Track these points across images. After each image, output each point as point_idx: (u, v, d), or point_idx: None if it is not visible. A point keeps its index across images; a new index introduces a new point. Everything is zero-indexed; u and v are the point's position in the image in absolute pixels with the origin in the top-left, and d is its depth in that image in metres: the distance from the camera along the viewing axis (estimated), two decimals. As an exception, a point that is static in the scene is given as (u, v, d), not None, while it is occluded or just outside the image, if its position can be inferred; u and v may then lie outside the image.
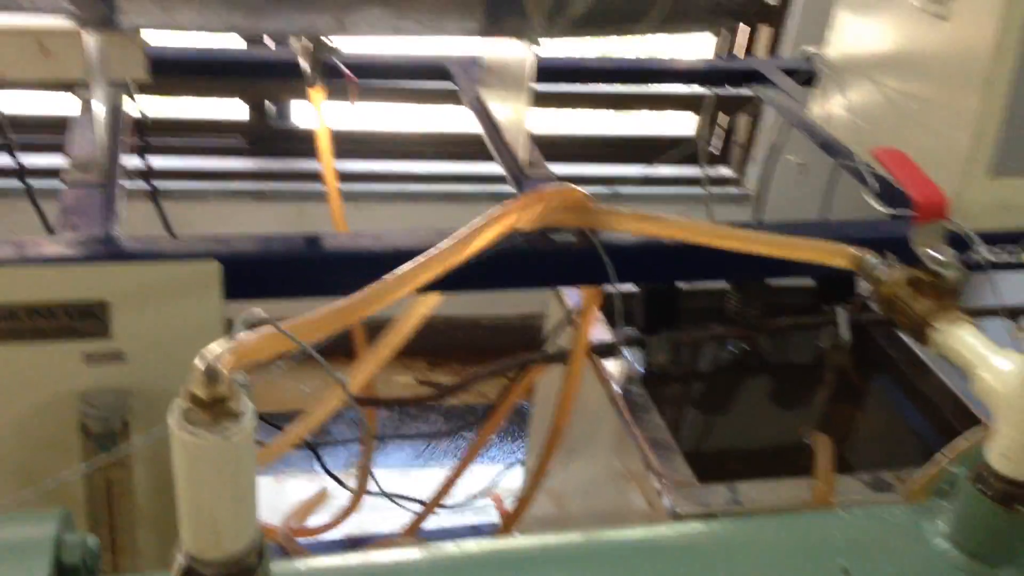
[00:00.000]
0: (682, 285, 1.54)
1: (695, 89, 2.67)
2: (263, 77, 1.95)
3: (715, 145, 2.77)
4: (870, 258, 0.73)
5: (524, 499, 1.44)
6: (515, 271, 0.95)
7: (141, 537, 0.88)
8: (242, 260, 0.85)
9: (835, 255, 0.74)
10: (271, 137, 2.40)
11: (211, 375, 0.45)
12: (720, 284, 1.57)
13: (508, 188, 1.04)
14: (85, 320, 0.82)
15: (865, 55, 1.20)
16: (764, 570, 0.62)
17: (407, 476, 2.19)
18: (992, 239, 1.05)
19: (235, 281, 0.85)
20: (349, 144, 2.36)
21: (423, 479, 2.07)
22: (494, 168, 1.16)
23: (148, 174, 1.37)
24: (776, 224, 0.95)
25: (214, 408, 0.45)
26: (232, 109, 2.40)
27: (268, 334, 0.53)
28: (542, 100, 2.39)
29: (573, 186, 0.91)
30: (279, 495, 2.12)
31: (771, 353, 1.63)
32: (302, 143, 2.41)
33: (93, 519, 0.89)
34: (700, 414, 1.55)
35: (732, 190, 2.72)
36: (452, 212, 2.39)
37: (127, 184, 1.47)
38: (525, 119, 1.04)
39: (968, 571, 0.62)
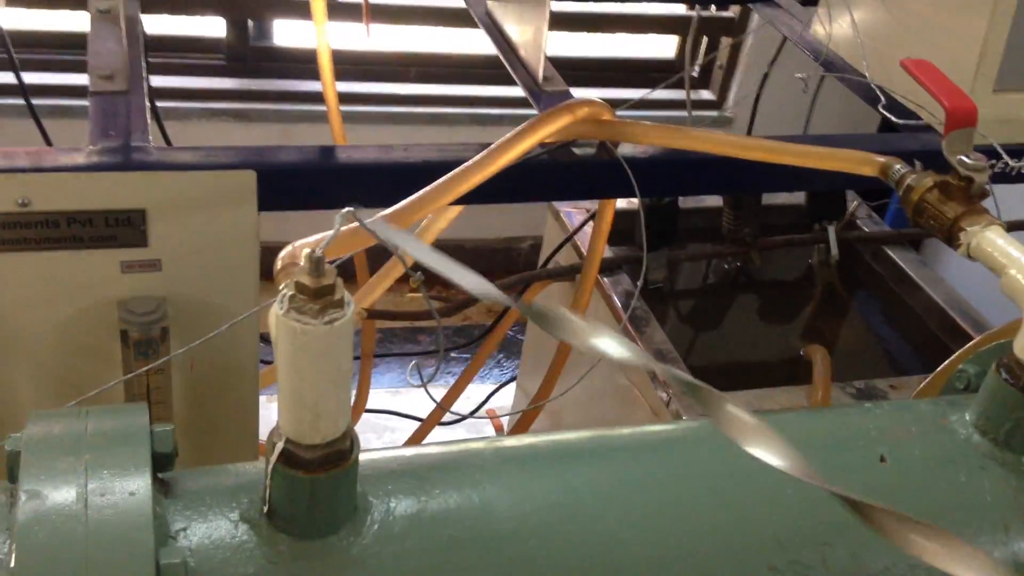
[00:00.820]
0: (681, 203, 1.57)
1: (675, 9, 2.67)
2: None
3: (695, 68, 2.78)
4: (898, 166, 0.76)
5: (530, 415, 1.48)
6: (539, 184, 0.97)
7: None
8: (278, 170, 0.86)
9: (862, 164, 0.77)
10: (253, 56, 2.37)
11: (317, 265, 0.47)
12: (715, 202, 1.60)
13: (488, 111, 1.05)
14: (122, 228, 0.83)
15: (871, -27, 1.21)
16: (804, 456, 0.66)
17: (397, 396, 2.23)
18: (994, 153, 1.09)
19: (269, 192, 0.86)
20: (341, 64, 2.34)
21: (412, 400, 2.11)
22: (482, 91, 1.16)
23: (151, 97, 1.35)
24: (797, 136, 0.97)
25: (320, 297, 0.47)
26: (212, 27, 2.36)
27: (353, 228, 0.54)
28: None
29: (596, 99, 0.92)
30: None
31: (764, 270, 1.68)
32: (286, 63, 2.38)
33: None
34: (697, 329, 1.59)
35: (713, 113, 2.74)
36: (436, 135, 2.38)
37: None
38: (544, 32, 1.05)
39: (996, 458, 0.66)
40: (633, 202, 1.47)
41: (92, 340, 0.87)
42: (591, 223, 1.56)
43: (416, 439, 1.58)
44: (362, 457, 0.60)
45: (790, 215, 1.69)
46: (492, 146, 0.81)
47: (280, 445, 0.51)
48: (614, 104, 2.76)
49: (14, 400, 0.90)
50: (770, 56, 1.47)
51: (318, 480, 0.52)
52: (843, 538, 0.62)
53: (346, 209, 0.49)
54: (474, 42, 2.35)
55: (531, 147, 0.84)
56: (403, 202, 0.71)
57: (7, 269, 0.81)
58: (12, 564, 0.46)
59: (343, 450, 0.52)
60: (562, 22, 2.52)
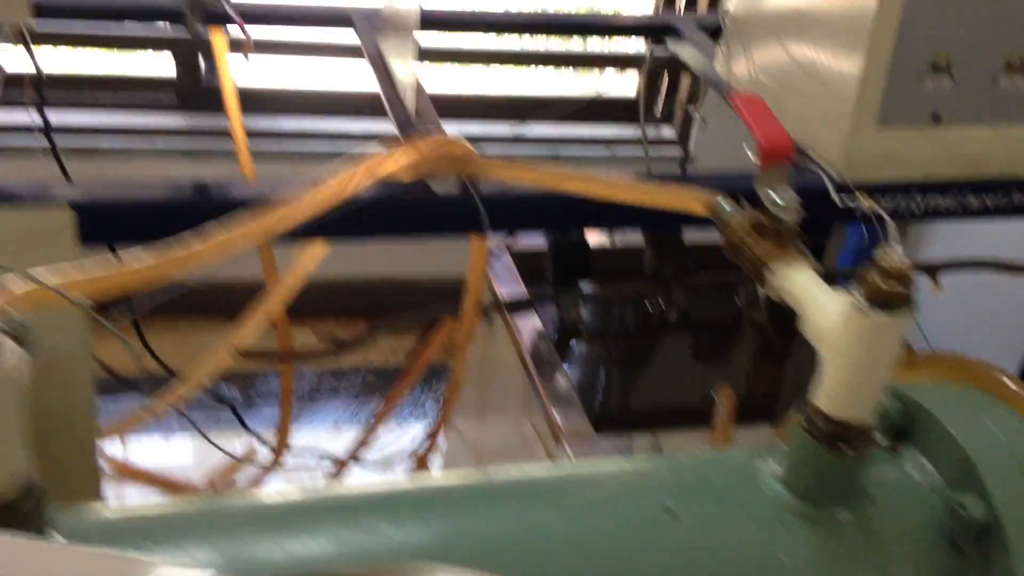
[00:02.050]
0: (594, 242, 1.54)
1: (621, 47, 2.66)
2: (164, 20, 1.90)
3: (659, 106, 2.76)
4: (723, 203, 0.72)
5: (423, 454, 1.44)
6: (396, 220, 0.94)
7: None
8: (96, 206, 0.83)
9: (690, 200, 0.74)
10: (204, 92, 2.36)
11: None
12: (636, 242, 1.57)
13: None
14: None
15: (764, 11, 1.19)
16: (584, 510, 0.62)
17: (340, 435, 2.19)
18: (883, 190, 1.06)
19: (91, 230, 0.83)
20: (276, 100, 2.33)
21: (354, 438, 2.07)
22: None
23: (47, 128, 1.34)
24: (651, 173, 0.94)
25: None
26: (163, 66, 2.35)
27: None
28: (472, 56, 2.36)
29: (451, 136, 0.90)
30: (206, 454, 2.11)
31: (688, 311, 1.64)
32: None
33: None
34: (613, 370, 1.55)
35: (674, 152, 2.71)
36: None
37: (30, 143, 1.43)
38: (412, 68, 1.03)
39: (795, 511, 0.62)
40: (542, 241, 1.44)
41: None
42: (503, 261, 1.53)
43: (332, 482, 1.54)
44: (78, 514, 0.57)
45: (718, 254, 1.65)
46: (315, 186, 0.78)
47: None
48: (574, 141, 2.72)
49: None
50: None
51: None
52: None
53: None
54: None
55: (369, 184, 0.81)
56: (178, 249, 0.67)
57: None
58: None
59: (21, 510, 0.49)
60: (525, 58, 2.51)
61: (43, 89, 1.22)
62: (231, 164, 2.32)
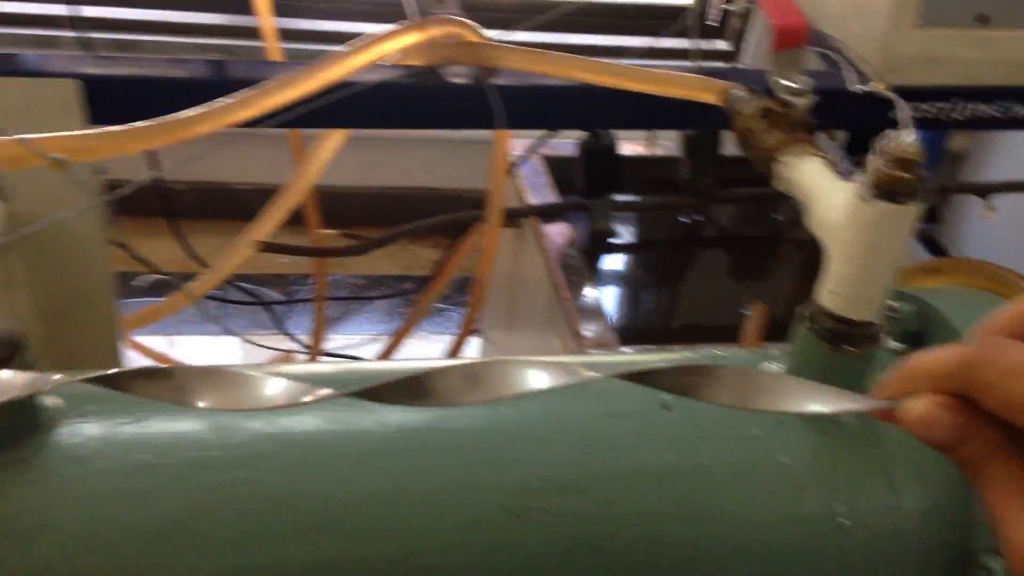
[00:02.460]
0: (629, 151, 1.49)
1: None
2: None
3: (715, 17, 2.67)
4: (737, 91, 0.69)
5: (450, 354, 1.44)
6: (404, 109, 0.91)
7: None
8: (103, 82, 0.82)
9: (703, 89, 0.70)
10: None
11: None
12: (672, 152, 1.53)
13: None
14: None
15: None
16: (578, 404, 0.60)
17: (377, 342, 2.20)
18: (922, 95, 1.00)
19: (100, 105, 0.82)
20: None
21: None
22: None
23: (78, 21, 1.33)
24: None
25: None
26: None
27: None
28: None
29: (462, 19, 0.86)
30: (249, 355, 2.14)
31: (724, 225, 1.60)
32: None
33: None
34: (644, 284, 1.53)
35: (726, 64, 2.63)
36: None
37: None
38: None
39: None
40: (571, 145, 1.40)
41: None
42: (534, 167, 1.50)
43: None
44: (70, 377, 0.57)
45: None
46: (314, 61, 0.76)
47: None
48: (621, 53, 2.67)
49: None
50: None
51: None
52: (598, 488, 0.57)
53: None
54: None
55: (368, 63, 0.79)
56: (182, 112, 0.67)
57: None
58: None
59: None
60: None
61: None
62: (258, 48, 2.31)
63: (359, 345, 2.11)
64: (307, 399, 0.39)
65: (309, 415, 0.57)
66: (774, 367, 0.64)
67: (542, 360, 0.41)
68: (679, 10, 2.74)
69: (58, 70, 0.81)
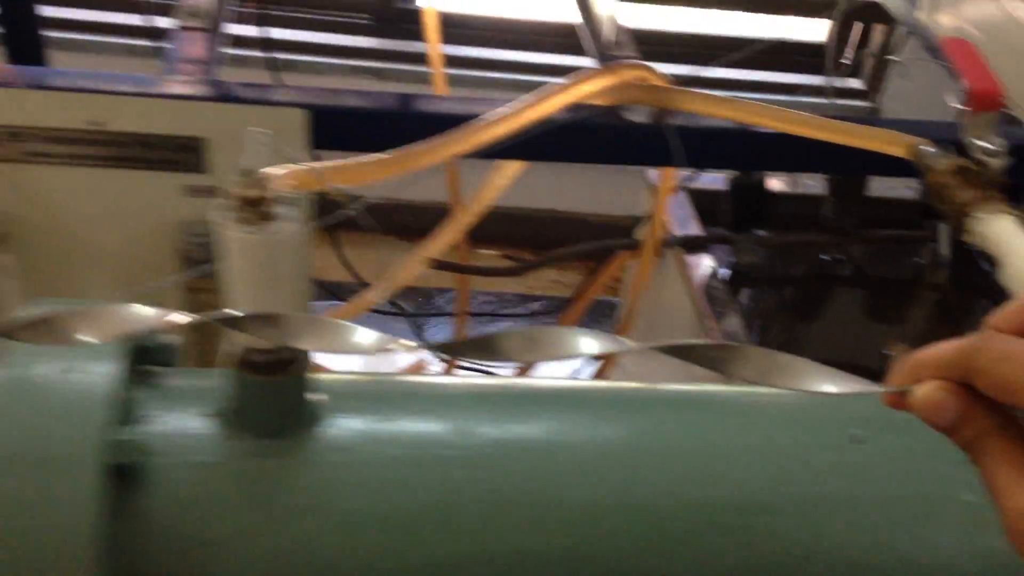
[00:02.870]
0: (775, 187, 1.53)
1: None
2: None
3: (849, 55, 2.68)
4: (926, 147, 0.73)
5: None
6: (587, 145, 0.98)
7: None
8: (328, 111, 0.91)
9: (891, 142, 0.75)
10: (396, 18, 2.45)
11: (250, 177, 0.51)
12: (816, 190, 1.56)
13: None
14: (184, 154, 0.90)
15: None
16: (774, 430, 0.65)
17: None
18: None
19: (318, 131, 0.91)
20: (461, 28, 2.39)
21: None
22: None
23: (267, 42, 1.44)
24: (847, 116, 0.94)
25: (255, 207, 0.51)
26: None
27: (326, 166, 0.58)
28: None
29: (648, 64, 0.92)
30: (381, 363, 2.24)
31: (865, 265, 1.61)
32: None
33: (194, 342, 0.99)
34: (783, 319, 1.56)
35: (859, 103, 2.64)
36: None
37: (247, 53, 1.55)
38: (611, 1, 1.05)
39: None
40: (721, 180, 1.45)
41: (154, 257, 0.95)
42: (678, 199, 1.55)
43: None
44: (331, 377, 0.65)
45: (901, 210, 1.62)
46: (515, 104, 0.83)
47: (231, 348, 0.56)
48: (756, 86, 2.68)
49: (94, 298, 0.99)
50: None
51: (267, 383, 0.57)
52: (799, 511, 0.62)
53: (257, 130, 0.53)
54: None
55: (564, 105, 0.86)
56: (401, 149, 0.74)
57: (81, 183, 0.90)
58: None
59: (287, 359, 0.56)
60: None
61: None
62: (419, 86, 2.42)
63: (492, 363, 2.19)
64: (391, 346, 0.46)
65: (536, 425, 0.63)
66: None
67: (591, 331, 0.46)
68: (814, 48, 2.77)
69: (288, 100, 0.90)
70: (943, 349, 0.40)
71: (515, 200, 2.53)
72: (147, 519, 0.55)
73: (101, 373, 0.56)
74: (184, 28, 0.99)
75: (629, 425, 0.64)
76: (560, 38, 2.47)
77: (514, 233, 2.58)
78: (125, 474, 0.55)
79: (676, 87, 0.92)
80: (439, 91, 1.53)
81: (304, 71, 2.31)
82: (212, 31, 0.98)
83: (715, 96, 0.89)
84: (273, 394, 0.57)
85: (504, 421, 0.63)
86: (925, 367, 0.40)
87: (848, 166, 1.01)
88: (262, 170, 0.52)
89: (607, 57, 1.07)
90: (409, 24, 2.45)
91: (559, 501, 0.60)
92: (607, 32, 1.08)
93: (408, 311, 1.82)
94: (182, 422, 0.58)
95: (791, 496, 0.62)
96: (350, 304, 1.29)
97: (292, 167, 0.58)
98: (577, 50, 2.44)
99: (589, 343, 0.45)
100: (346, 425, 0.60)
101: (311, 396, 0.61)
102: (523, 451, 0.61)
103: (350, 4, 2.48)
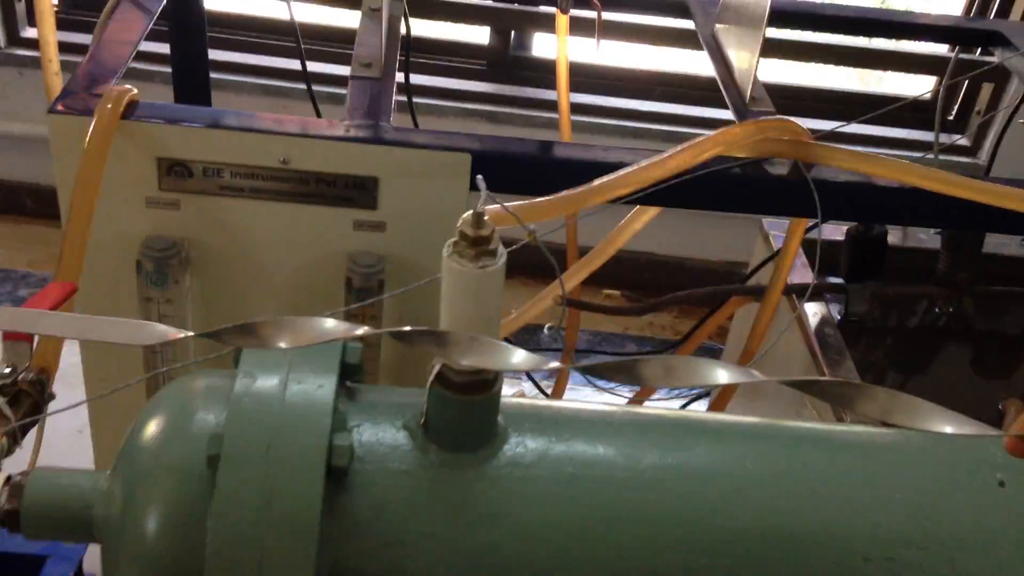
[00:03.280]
0: (890, 239, 1.56)
1: (935, 49, 2.59)
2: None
3: (954, 111, 2.69)
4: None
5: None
6: (725, 194, 1.03)
7: (380, 380, 1.05)
8: (488, 156, 0.98)
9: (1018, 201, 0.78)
10: (510, 64, 2.55)
11: (477, 219, 0.58)
12: (933, 245, 1.58)
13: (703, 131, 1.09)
14: (358, 191, 0.98)
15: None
16: (918, 473, 0.69)
17: (601, 396, 2.32)
18: None
19: (484, 174, 0.98)
20: (581, 77, 2.47)
21: (616, 401, 2.20)
22: (722, 114, 1.21)
23: (408, 88, 1.54)
24: (994, 178, 0.98)
25: (476, 245, 0.58)
26: (477, 34, 2.56)
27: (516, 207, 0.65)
28: (777, 49, 2.40)
29: (791, 119, 0.98)
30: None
31: (979, 320, 1.63)
32: (538, 72, 2.55)
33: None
34: (895, 370, 1.58)
35: (964, 159, 2.63)
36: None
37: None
38: (756, 55, 1.11)
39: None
40: (835, 229, 1.49)
41: (323, 284, 1.03)
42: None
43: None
44: (513, 400, 0.71)
45: (1016, 266, 1.63)
46: (667, 152, 0.89)
47: (436, 367, 0.63)
48: (860, 140, 2.69)
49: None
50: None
51: (463, 401, 0.63)
52: (941, 547, 0.66)
53: (479, 177, 0.59)
54: (697, 64, 2.43)
55: (710, 156, 0.92)
56: (564, 192, 0.81)
57: (266, 214, 0.99)
58: (223, 422, 0.61)
59: (487, 380, 0.63)
60: (821, 54, 2.52)
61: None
62: (530, 130, 2.50)
63: (589, 396, 2.24)
64: (545, 367, 0.54)
65: (695, 453, 0.69)
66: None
67: (723, 363, 0.51)
68: (920, 104, 2.78)
69: (455, 145, 0.98)
70: None
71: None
72: (353, 519, 0.62)
73: (320, 385, 0.63)
74: (356, 77, 1.07)
75: (776, 457, 0.68)
76: (668, 87, 2.54)
77: (612, 275, 2.64)
78: (337, 477, 0.61)
79: (818, 142, 0.97)
80: (564, 136, 1.60)
81: (423, 113, 2.41)
82: (382, 79, 1.07)
83: (857, 152, 0.94)
84: (467, 412, 0.64)
85: (666, 447, 0.69)
86: None
87: (970, 221, 1.04)
88: (481, 209, 0.58)
89: (745, 111, 1.12)
90: (520, 70, 2.55)
91: (716, 525, 0.65)
92: (745, 87, 1.14)
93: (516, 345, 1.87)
94: (383, 433, 0.65)
95: (933, 533, 0.66)
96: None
97: (493, 207, 0.65)
98: (682, 99, 2.52)
99: (722, 373, 0.50)
100: (527, 444, 0.67)
101: (499, 419, 0.67)
102: (684, 477, 0.67)
103: (467, 50, 2.58)
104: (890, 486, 0.69)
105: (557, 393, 1.90)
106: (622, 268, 2.69)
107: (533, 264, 1.80)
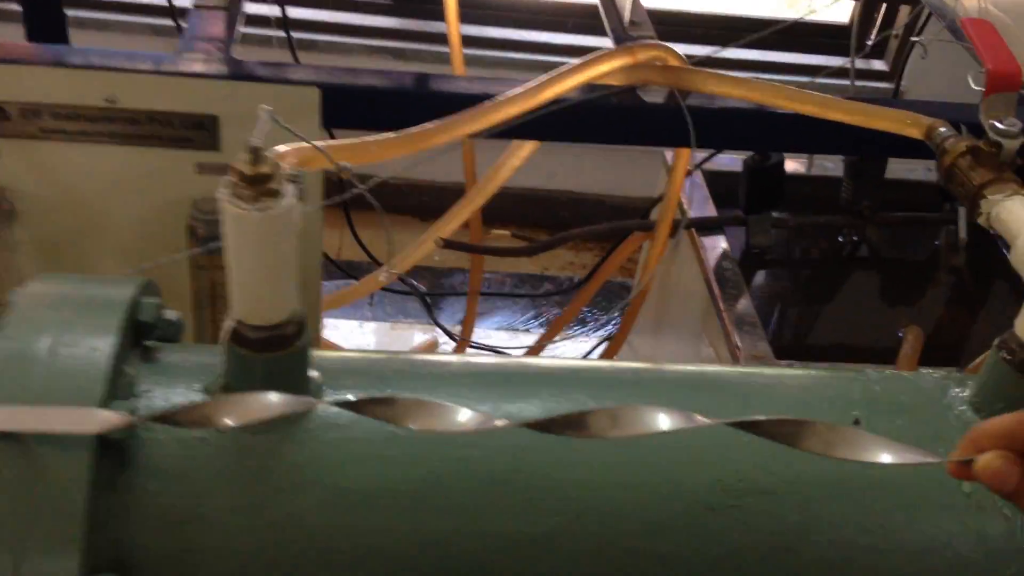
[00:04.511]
0: (790, 169, 1.52)
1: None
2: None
3: (872, 35, 2.64)
4: (942, 129, 0.72)
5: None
6: (602, 125, 0.97)
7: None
8: (339, 89, 0.91)
9: (906, 123, 0.74)
10: (415, -2, 2.45)
11: (255, 154, 0.51)
12: (835, 172, 1.54)
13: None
14: (197, 131, 0.90)
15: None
16: (775, 407, 0.65)
17: (515, 339, 2.28)
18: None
19: (333, 110, 0.91)
20: (478, 9, 2.38)
21: (525, 342, 2.15)
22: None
23: (285, 21, 1.44)
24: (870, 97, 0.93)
25: (255, 185, 0.51)
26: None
27: (332, 145, 0.58)
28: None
29: (665, 44, 0.92)
30: (395, 341, 2.25)
31: (881, 248, 1.60)
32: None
33: (198, 318, 0.99)
34: (796, 301, 1.55)
35: (883, 85, 2.60)
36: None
37: (267, 32, 1.54)
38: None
39: (977, 433, 0.63)
40: (737, 161, 1.44)
41: (166, 233, 0.95)
42: (693, 180, 1.54)
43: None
44: (332, 353, 0.65)
45: (919, 192, 1.60)
46: (532, 82, 0.82)
47: (229, 324, 0.56)
48: (778, 68, 2.63)
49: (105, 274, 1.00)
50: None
51: (264, 359, 0.57)
52: (791, 492, 0.61)
53: (266, 107, 0.53)
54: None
55: (580, 84, 0.85)
56: (412, 128, 0.74)
57: (95, 159, 0.91)
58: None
59: (286, 335, 0.56)
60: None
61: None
62: (438, 66, 2.41)
63: (501, 340, 2.19)
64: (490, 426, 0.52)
65: (532, 403, 0.63)
66: (959, 392, 0.67)
67: (668, 409, 0.51)
68: (838, 28, 2.73)
69: (302, 78, 0.90)
70: (1004, 421, 0.43)
71: (533, 181, 2.54)
72: (140, 494, 0.55)
73: (94, 348, 0.56)
74: (201, 6, 0.99)
75: (627, 403, 0.63)
76: (581, 19, 2.45)
77: (531, 214, 2.58)
78: (118, 448, 0.55)
79: (692, 67, 0.92)
80: (457, 71, 1.52)
81: (324, 51, 2.31)
82: (229, 9, 0.98)
83: (730, 77, 0.89)
84: (267, 370, 0.57)
85: (502, 398, 0.63)
86: (987, 437, 0.43)
87: (866, 148, 1.00)
88: (265, 147, 0.52)
89: (625, 37, 1.06)
90: (429, 4, 2.44)
91: (551, 479, 0.60)
92: (626, 12, 1.07)
93: (420, 290, 1.82)
94: (178, 398, 0.59)
95: (788, 479, 0.62)
96: (363, 283, 1.30)
97: (297, 145, 0.58)
98: (596, 30, 2.45)
99: (666, 420, 0.50)
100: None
101: (309, 373, 0.61)
102: (519, 430, 0.61)
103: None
104: (743, 434, 0.64)
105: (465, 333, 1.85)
106: (539, 206, 2.64)
107: (425, 205, 1.73)
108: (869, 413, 0.65)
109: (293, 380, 0.59)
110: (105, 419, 0.52)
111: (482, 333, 2.25)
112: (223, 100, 0.90)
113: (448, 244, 1.12)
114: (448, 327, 2.01)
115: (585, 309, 2.37)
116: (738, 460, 0.62)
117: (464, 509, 0.59)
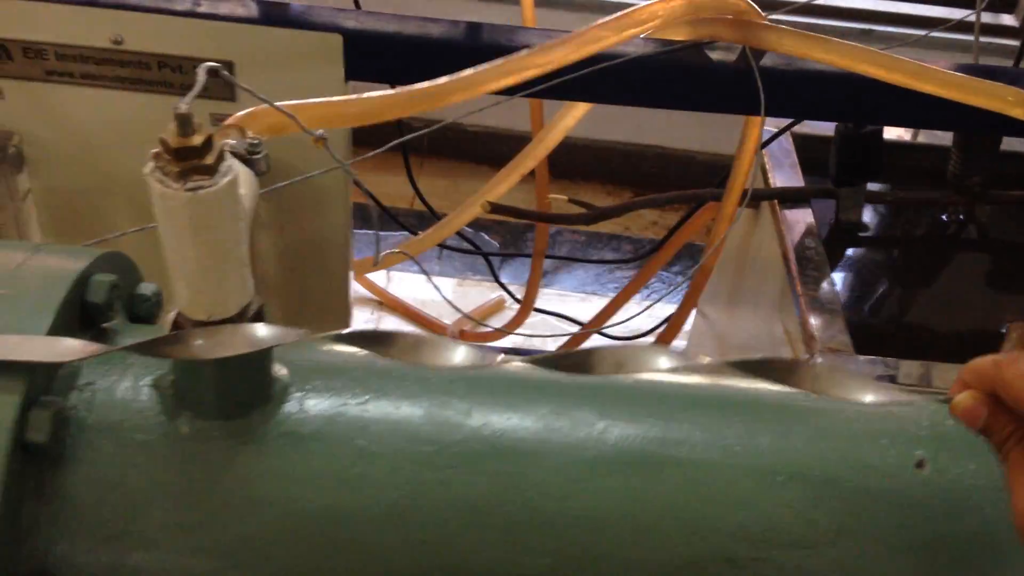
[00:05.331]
0: (892, 135, 1.36)
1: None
2: None
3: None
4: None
5: (666, 334, 1.39)
6: (661, 87, 0.86)
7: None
8: (365, 36, 0.82)
9: (1008, 102, 0.61)
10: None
11: (182, 123, 0.43)
12: (943, 142, 1.38)
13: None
14: (211, 79, 0.82)
15: None
16: (831, 443, 0.55)
17: (587, 301, 2.18)
18: None
19: (358, 59, 0.82)
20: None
21: (596, 307, 2.05)
22: None
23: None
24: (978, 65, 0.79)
25: (183, 159, 0.43)
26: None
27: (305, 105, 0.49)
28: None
29: (738, -5, 0.79)
30: (461, 298, 2.18)
31: (991, 229, 1.43)
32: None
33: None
34: (888, 286, 1.40)
35: (1010, 42, 2.37)
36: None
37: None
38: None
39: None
40: (830, 127, 1.29)
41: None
42: (781, 144, 1.40)
43: (568, 346, 1.53)
44: (302, 352, 0.57)
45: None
46: (574, 33, 0.71)
47: (171, 316, 0.49)
48: (890, 19, 2.41)
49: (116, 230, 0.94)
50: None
51: (213, 360, 0.49)
52: (829, 545, 0.51)
53: (209, 64, 0.44)
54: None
55: (628, 37, 0.74)
56: (437, 80, 0.64)
57: (104, 105, 0.84)
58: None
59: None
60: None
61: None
62: (512, 10, 2.29)
63: (572, 304, 2.09)
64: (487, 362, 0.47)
65: (528, 420, 0.54)
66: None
67: (668, 351, 0.48)
68: (965, -22, 2.49)
69: (325, 22, 0.82)
70: (983, 362, 0.45)
71: (618, 134, 2.41)
72: (71, 504, 0.49)
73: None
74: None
75: (639, 424, 0.54)
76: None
77: (618, 169, 2.46)
78: (48, 451, 0.48)
79: (766, 23, 0.79)
80: (526, 13, 1.40)
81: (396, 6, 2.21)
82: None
83: (810, 35, 0.76)
84: (221, 370, 0.50)
85: (493, 411, 0.54)
86: (969, 373, 0.46)
87: (970, 123, 0.86)
88: (194, 113, 0.43)
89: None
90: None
91: (540, 513, 0.51)
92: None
93: (482, 251, 1.73)
94: (123, 394, 0.52)
95: (825, 528, 0.52)
96: (421, 238, 1.22)
97: (256, 109, 0.50)
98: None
99: (665, 361, 0.46)
100: (310, 408, 0.53)
101: (276, 371, 0.53)
102: (508, 451, 0.52)
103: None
104: (785, 469, 0.54)
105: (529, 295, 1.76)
106: (627, 162, 2.51)
107: (494, 152, 1.61)
108: (936, 452, 0.54)
109: (250, 380, 0.51)
110: (68, 348, 0.46)
111: (553, 294, 2.15)
112: (238, 45, 0.82)
113: (495, 208, 1.03)
114: (519, 286, 1.93)
115: (664, 273, 2.25)
116: (769, 503, 0.52)
117: (440, 541, 0.51)
